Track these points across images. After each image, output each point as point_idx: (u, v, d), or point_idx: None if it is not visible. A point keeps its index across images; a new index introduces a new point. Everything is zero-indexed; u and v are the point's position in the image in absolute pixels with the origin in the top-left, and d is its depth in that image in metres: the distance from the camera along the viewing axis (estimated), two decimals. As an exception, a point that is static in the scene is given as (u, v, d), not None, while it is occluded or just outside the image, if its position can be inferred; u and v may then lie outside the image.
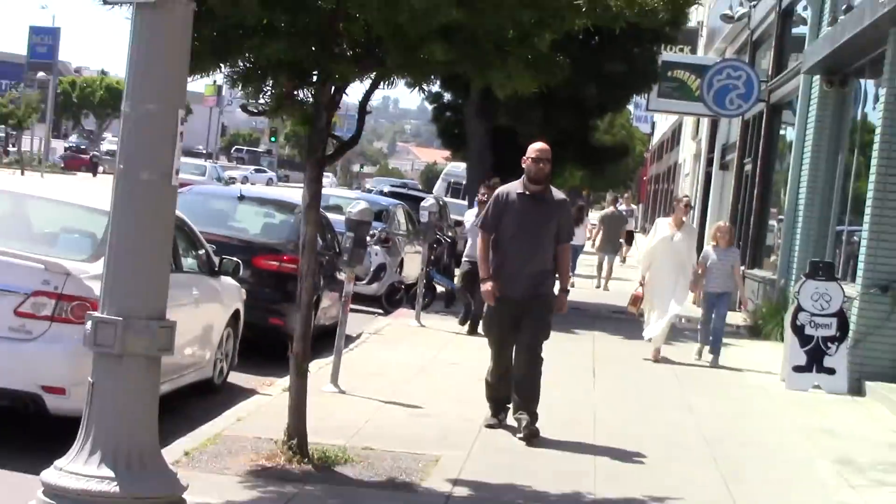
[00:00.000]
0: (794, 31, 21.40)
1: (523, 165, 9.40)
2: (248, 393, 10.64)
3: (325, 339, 12.54)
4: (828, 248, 16.50)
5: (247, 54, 7.46)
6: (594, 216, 34.66)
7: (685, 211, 14.76)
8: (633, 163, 70.29)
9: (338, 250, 13.88)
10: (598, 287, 25.78)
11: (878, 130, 13.26)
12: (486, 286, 9.31)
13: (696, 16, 39.34)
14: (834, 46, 14.80)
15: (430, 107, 25.61)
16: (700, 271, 14.74)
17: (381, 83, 8.00)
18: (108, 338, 5.45)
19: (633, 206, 47.15)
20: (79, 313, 7.71)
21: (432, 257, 18.03)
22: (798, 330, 13.28)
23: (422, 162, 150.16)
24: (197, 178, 41.62)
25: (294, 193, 16.08)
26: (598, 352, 15.12)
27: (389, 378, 11.56)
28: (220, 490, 6.99)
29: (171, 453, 7.38)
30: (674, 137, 49.64)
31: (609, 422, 10.38)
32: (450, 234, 21.83)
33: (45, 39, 74.07)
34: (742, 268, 22.08)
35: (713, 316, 14.86)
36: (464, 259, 15.95)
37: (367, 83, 8.09)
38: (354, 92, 8.39)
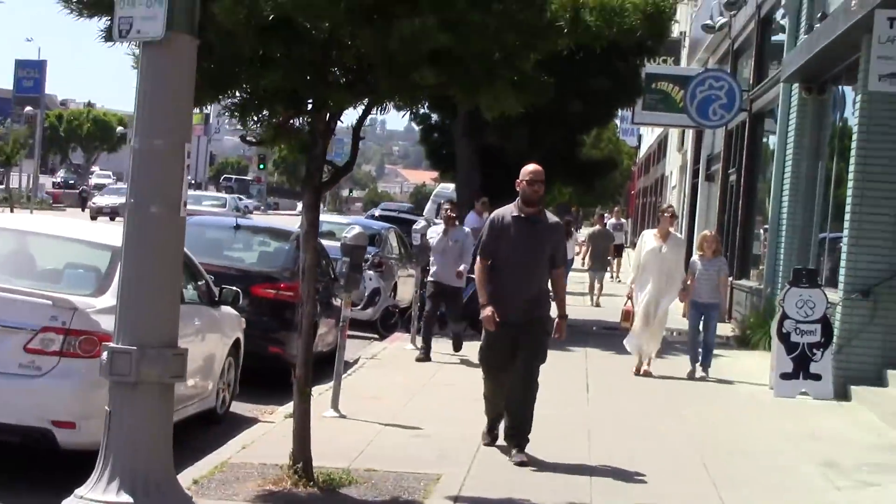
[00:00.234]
0: (774, 39, 21.74)
1: (517, 188, 9.43)
2: (250, 421, 10.91)
3: (324, 366, 12.76)
4: (812, 255, 16.80)
5: (244, 85, 7.75)
6: (585, 231, 34.97)
7: (670, 221, 14.93)
8: (620, 177, 70.60)
9: (333, 276, 14.14)
10: (590, 304, 26.05)
11: (854, 137, 13.58)
12: (486, 311, 9.26)
13: (678, 27, 39.79)
14: (810, 54, 15.10)
15: (417, 128, 25.94)
16: (689, 281, 14.85)
17: (374, 108, 8.32)
18: (123, 367, 5.75)
19: (623, 220, 47.41)
20: (86, 347, 7.98)
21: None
22: (784, 337, 13.57)
23: (410, 184, 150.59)
24: (218, 209, 40.53)
25: (280, 220, 16.35)
26: (590, 368, 15.38)
27: (388, 401, 11.84)
28: (229, 516, 7.27)
29: (180, 482, 7.63)
30: (660, 150, 50.03)
31: (603, 435, 10.66)
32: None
33: (30, 73, 74.02)
34: (730, 278, 22.46)
35: (703, 330, 14.88)
36: (429, 279, 15.78)
37: (360, 109, 8.42)
38: (346, 117, 8.73)
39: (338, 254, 11.93)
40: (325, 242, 15.06)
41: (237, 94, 7.84)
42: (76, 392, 8.06)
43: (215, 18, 6.90)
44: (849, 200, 13.61)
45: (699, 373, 14.80)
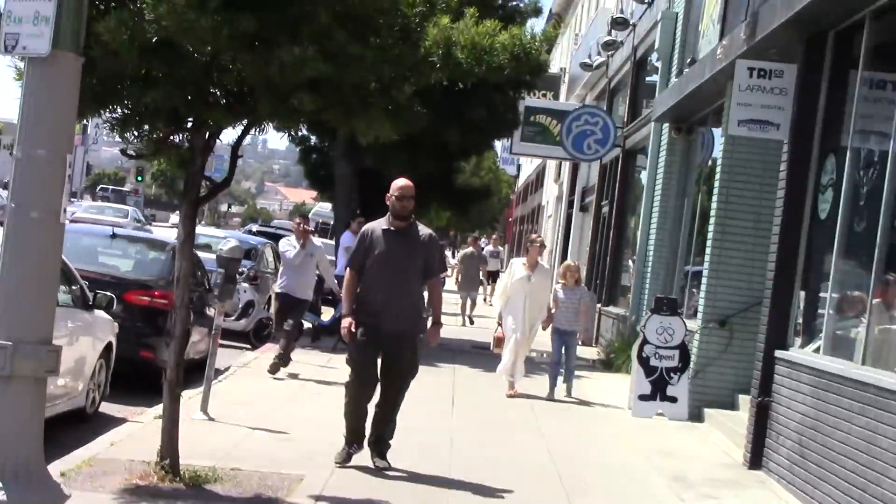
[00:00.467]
0: (648, 80, 22.48)
1: (387, 203, 9.58)
2: (119, 421, 11.07)
3: (195, 373, 12.93)
4: (675, 286, 17.44)
5: (126, 101, 7.98)
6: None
7: (539, 251, 15.29)
8: (499, 204, 71.52)
9: (208, 286, 14.34)
10: (462, 325, 26.53)
11: (717, 176, 14.22)
12: (345, 323, 9.44)
13: (558, 62, 40.68)
14: (679, 97, 15.74)
15: (297, 148, 26.18)
16: (553, 310, 15.21)
17: (253, 129, 8.63)
18: (-1, 361, 5.95)
19: (500, 248, 48.14)
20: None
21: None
22: (643, 361, 14.15)
23: (290, 202, 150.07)
24: (121, 219, 42.03)
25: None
26: (458, 384, 15.79)
27: (257, 407, 12.08)
28: (96, 506, 7.46)
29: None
30: (538, 180, 50.86)
31: (464, 446, 11.04)
32: (317, 272, 22.27)
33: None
34: (598, 305, 23.12)
35: (564, 355, 15.28)
36: (277, 291, 15.51)
37: (240, 129, 8.73)
38: (226, 134, 9.03)
39: (214, 266, 12.14)
40: (201, 254, 15.28)
41: (119, 109, 8.07)
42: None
43: (100, 37, 7.15)
44: (710, 235, 14.23)
45: (557, 394, 15.12)
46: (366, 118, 8.27)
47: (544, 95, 31.89)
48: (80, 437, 9.92)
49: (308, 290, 15.51)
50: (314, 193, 45.66)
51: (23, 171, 6.12)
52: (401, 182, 9.67)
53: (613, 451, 11.69)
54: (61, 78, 6.08)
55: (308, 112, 8.17)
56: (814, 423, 9.66)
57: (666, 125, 18.24)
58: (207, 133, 8.41)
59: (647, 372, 14.14)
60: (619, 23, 23.35)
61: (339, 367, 14.68)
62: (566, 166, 35.08)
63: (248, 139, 9.00)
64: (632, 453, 11.64)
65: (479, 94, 18.95)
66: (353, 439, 9.59)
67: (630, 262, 21.73)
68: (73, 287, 11.07)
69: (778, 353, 10.89)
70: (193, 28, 7.26)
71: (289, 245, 15.61)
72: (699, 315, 14.42)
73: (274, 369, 14.45)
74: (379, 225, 9.64)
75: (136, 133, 8.28)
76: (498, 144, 44.93)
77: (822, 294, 10.44)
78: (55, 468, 8.29)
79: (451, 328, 24.29)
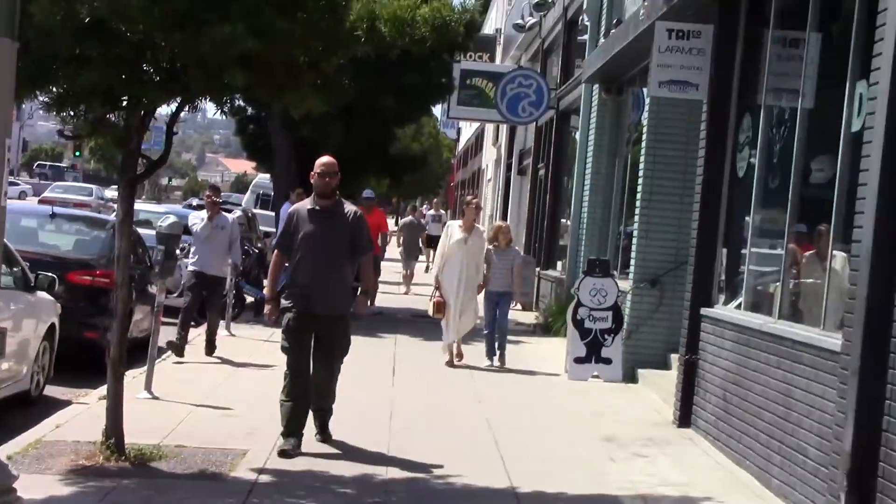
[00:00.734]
0: (580, 38, 22.71)
1: (311, 181, 9.56)
2: (64, 403, 11.26)
3: (138, 352, 13.10)
4: (609, 247, 17.80)
5: (61, 82, 8.18)
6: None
7: (475, 213, 15.33)
8: (441, 168, 71.73)
9: (149, 264, 14.51)
10: (404, 293, 26.80)
11: (644, 137, 14.55)
12: (268, 307, 9.59)
13: (493, 23, 40.85)
14: (607, 58, 15.96)
15: (234, 119, 26.22)
16: (487, 272, 15.31)
17: (187, 106, 8.83)
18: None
19: (442, 212, 48.35)
20: None
21: (241, 268, 18.71)
22: (578, 324, 14.49)
23: (231, 173, 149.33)
24: (86, 198, 45.43)
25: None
26: (399, 353, 16.07)
27: (201, 384, 12.31)
28: (43, 487, 7.69)
29: (-3, 456, 8.02)
30: (477, 143, 51.15)
31: (404, 413, 11.35)
32: (258, 245, 22.48)
33: None
34: (537, 269, 23.46)
35: (497, 315, 15.36)
36: (190, 269, 14.81)
37: (174, 106, 8.94)
38: (162, 111, 9.23)
39: (154, 242, 12.30)
40: (141, 231, 15.41)
41: (54, 89, 8.25)
42: None
43: (33, 18, 7.32)
44: (638, 196, 14.55)
45: (496, 362, 15.25)
46: (296, 92, 8.54)
47: (480, 57, 32.11)
48: (26, 421, 10.11)
49: (222, 266, 15.04)
50: (255, 164, 45.59)
51: (-38, 155, 6.26)
52: (323, 159, 9.64)
53: (549, 415, 12.02)
54: (-3, 63, 6.23)
55: (240, 88, 8.41)
56: (736, 378, 10.05)
57: (596, 86, 18.49)
58: (143, 111, 8.63)
59: (581, 334, 14.46)
60: (550, -18, 23.55)
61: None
62: (504, 129, 35.34)
63: (185, 110, 9.18)
64: (566, 416, 11.98)
65: (412, 61, 19.10)
66: (293, 430, 9.30)
67: (569, 223, 22.04)
68: (15, 269, 11.21)
69: (703, 311, 11.26)
70: (125, 8, 7.49)
71: (197, 218, 15.18)
72: (630, 275, 14.75)
73: (176, 349, 13.99)
74: (304, 205, 9.61)
75: (72, 113, 8.51)
76: (437, 109, 45.18)
77: (743, 251, 10.79)
78: (1, 451, 8.51)
79: (392, 297, 24.61)
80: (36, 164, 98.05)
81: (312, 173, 9.52)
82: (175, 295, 18.52)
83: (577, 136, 20.48)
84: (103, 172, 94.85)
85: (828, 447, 7.71)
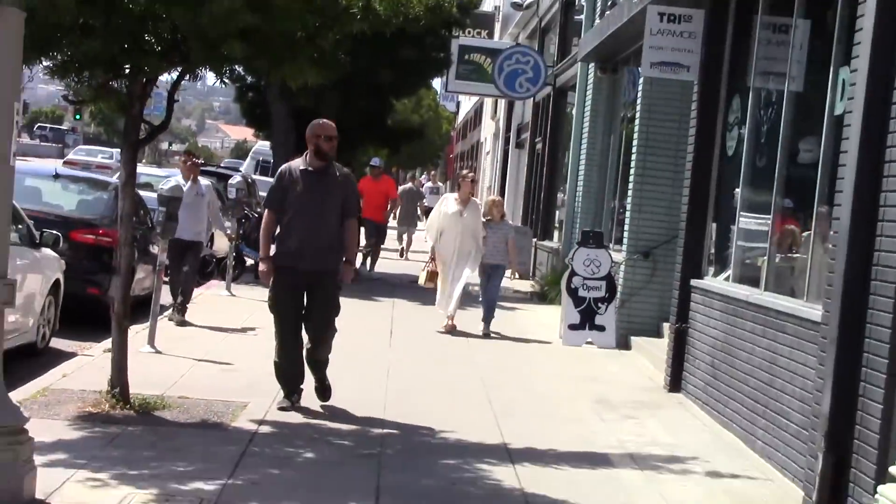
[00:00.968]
0: (577, 17, 23.00)
1: (311, 143, 9.47)
2: (69, 355, 11.58)
3: (141, 309, 13.41)
4: (604, 220, 18.11)
5: (65, 50, 8.47)
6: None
7: (471, 186, 15.56)
8: (441, 140, 71.93)
9: (151, 225, 14.81)
10: (400, 257, 27.16)
11: (637, 115, 14.86)
12: (262, 266, 9.51)
13: (492, 0, 41.03)
14: (602, 38, 16.25)
15: (234, 86, 26.41)
16: (482, 245, 15.33)
17: (187, 75, 9.12)
18: (-43, 294, 6.45)
19: (440, 184, 48.64)
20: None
21: (241, 231, 19.03)
22: (572, 292, 14.83)
23: (231, 139, 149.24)
24: (108, 161, 47.01)
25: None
26: (396, 317, 16.38)
27: (202, 340, 12.65)
28: (51, 432, 7.99)
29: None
30: (476, 117, 51.38)
31: (401, 373, 11.68)
32: (258, 209, 22.73)
33: None
34: (534, 240, 23.80)
35: (487, 287, 15.49)
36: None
37: (175, 74, 9.23)
38: (164, 79, 9.51)
39: (156, 204, 12.58)
40: (143, 193, 15.67)
41: (58, 56, 8.53)
42: None
43: (38, -11, 7.59)
44: (631, 172, 14.88)
45: (484, 330, 15.34)
46: (294, 65, 8.86)
47: (479, 34, 32.31)
48: (33, 371, 10.42)
49: (200, 231, 14.53)
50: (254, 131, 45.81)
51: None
52: (324, 122, 9.61)
53: (543, 378, 12.34)
54: (5, 32, 6.48)
55: (239, 59, 8.71)
56: (724, 346, 10.38)
57: (592, 65, 18.80)
58: (144, 79, 8.93)
59: (575, 302, 14.81)
60: (548, -38, 23.82)
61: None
62: (502, 104, 35.60)
63: (186, 78, 9.46)
64: (560, 380, 12.32)
65: (409, 36, 19.30)
66: (291, 389, 9.55)
67: (560, 196, 22.34)
68: (20, 226, 11.50)
69: (693, 282, 11.59)
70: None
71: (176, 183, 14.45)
72: (623, 247, 15.09)
73: (178, 321, 13.82)
74: (297, 165, 9.60)
75: (75, 79, 8.82)
76: (437, 82, 45.39)
77: (731, 226, 11.11)
78: (11, 398, 8.81)
79: (390, 262, 24.93)
80: (36, 126, 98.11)
81: (313, 136, 9.46)
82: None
83: (574, 112, 20.76)
84: (103, 136, 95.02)
85: (808, 411, 8.03)
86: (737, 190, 10.90)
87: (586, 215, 18.76)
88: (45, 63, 8.79)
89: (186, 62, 8.80)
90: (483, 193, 36.13)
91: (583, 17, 20.23)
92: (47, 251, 12.05)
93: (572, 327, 14.87)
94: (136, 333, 11.85)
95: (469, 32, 29.17)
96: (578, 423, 10.03)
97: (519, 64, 23.12)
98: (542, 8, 26.72)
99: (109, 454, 7.61)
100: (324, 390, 9.83)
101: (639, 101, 14.86)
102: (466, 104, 57.47)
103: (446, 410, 10.05)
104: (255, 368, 10.92)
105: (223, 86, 9.72)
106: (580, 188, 19.16)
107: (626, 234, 15.05)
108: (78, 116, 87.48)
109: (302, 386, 9.66)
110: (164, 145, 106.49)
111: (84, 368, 10.44)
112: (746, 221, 10.75)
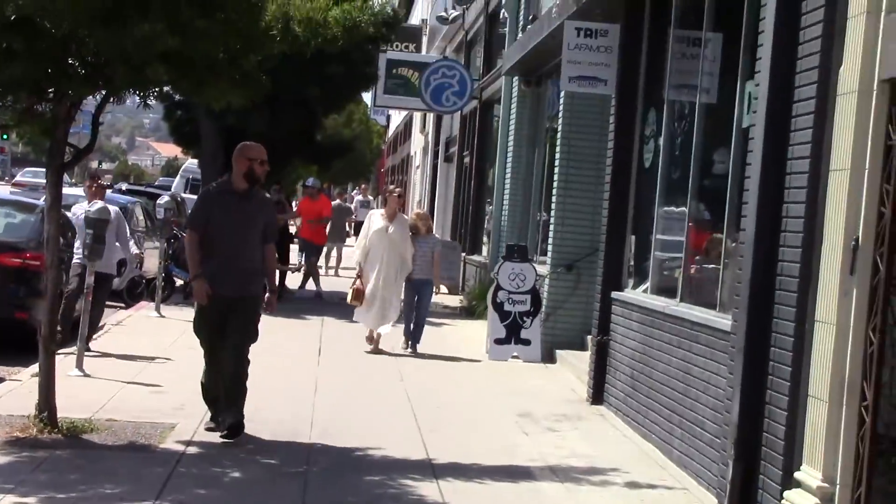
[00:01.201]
0: (502, 31, 23.28)
1: (240, 166, 9.37)
2: (-3, 381, 11.61)
3: (70, 332, 13.40)
4: (530, 233, 18.37)
5: (-12, 74, 8.55)
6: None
7: (398, 202, 15.53)
8: (371, 154, 72.02)
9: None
10: (326, 274, 27.24)
11: (559, 129, 15.13)
12: (196, 285, 9.35)
13: (419, 14, 41.28)
14: (525, 52, 16.55)
15: (161, 105, 26.38)
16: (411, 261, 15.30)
17: (112, 98, 9.24)
18: None
19: (371, 198, 48.71)
20: None
21: (170, 252, 19.06)
22: (498, 307, 15.06)
23: (162, 157, 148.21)
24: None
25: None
26: (325, 335, 16.51)
27: (131, 363, 12.70)
28: (-22, 458, 8.07)
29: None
30: (406, 130, 51.52)
31: (328, 391, 11.83)
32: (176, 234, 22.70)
33: None
34: (463, 255, 24.01)
35: (417, 305, 15.38)
36: (76, 261, 13.53)
37: (100, 97, 9.34)
38: (89, 101, 9.60)
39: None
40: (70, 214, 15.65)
41: (-19, 80, 8.61)
42: None
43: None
44: (555, 185, 15.14)
45: (410, 348, 15.37)
46: (216, 87, 9.00)
47: (406, 48, 32.57)
48: (-40, 397, 10.45)
49: (110, 262, 13.68)
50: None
51: None
52: (257, 145, 9.59)
53: (468, 393, 12.55)
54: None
55: (163, 82, 8.84)
56: (642, 357, 10.64)
57: (516, 78, 19.07)
58: (69, 102, 9.02)
59: (501, 317, 15.04)
60: (471, -24, 24.11)
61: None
62: (431, 117, 35.80)
63: (112, 101, 9.56)
64: (485, 394, 12.52)
65: (334, 52, 19.40)
66: (216, 409, 9.51)
67: (489, 210, 22.57)
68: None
69: (614, 295, 11.85)
70: (51, 5, 7.86)
71: (81, 209, 13.78)
72: (547, 260, 15.33)
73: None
74: (221, 186, 9.60)
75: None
76: (367, 96, 45.48)
77: (650, 237, 11.37)
78: (-63, 425, 8.89)
79: (320, 279, 24.98)
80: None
81: (241, 157, 9.42)
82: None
83: (499, 125, 21.01)
84: (31, 155, 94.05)
85: (721, 420, 8.29)
86: (654, 202, 11.17)
87: (512, 228, 19.01)
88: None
89: (111, 85, 8.92)
90: (413, 207, 36.30)
91: (507, 30, 20.48)
92: (-27, 277, 12.07)
93: (498, 342, 15.08)
94: (65, 357, 11.92)
95: (396, 46, 29.39)
96: (502, 437, 10.23)
97: (445, 78, 23.35)
98: (468, 21, 27.00)
99: (37, 478, 7.69)
100: (233, 425, 9.17)
101: (560, 114, 15.13)
102: (396, 118, 57.63)
103: (373, 427, 10.21)
104: (183, 390, 10.99)
105: (147, 107, 9.75)
106: (506, 201, 19.41)
107: (549, 248, 15.29)
108: (6, 136, 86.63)
109: None
110: (94, 164, 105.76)
111: (12, 393, 10.48)
112: (664, 233, 11.03)
